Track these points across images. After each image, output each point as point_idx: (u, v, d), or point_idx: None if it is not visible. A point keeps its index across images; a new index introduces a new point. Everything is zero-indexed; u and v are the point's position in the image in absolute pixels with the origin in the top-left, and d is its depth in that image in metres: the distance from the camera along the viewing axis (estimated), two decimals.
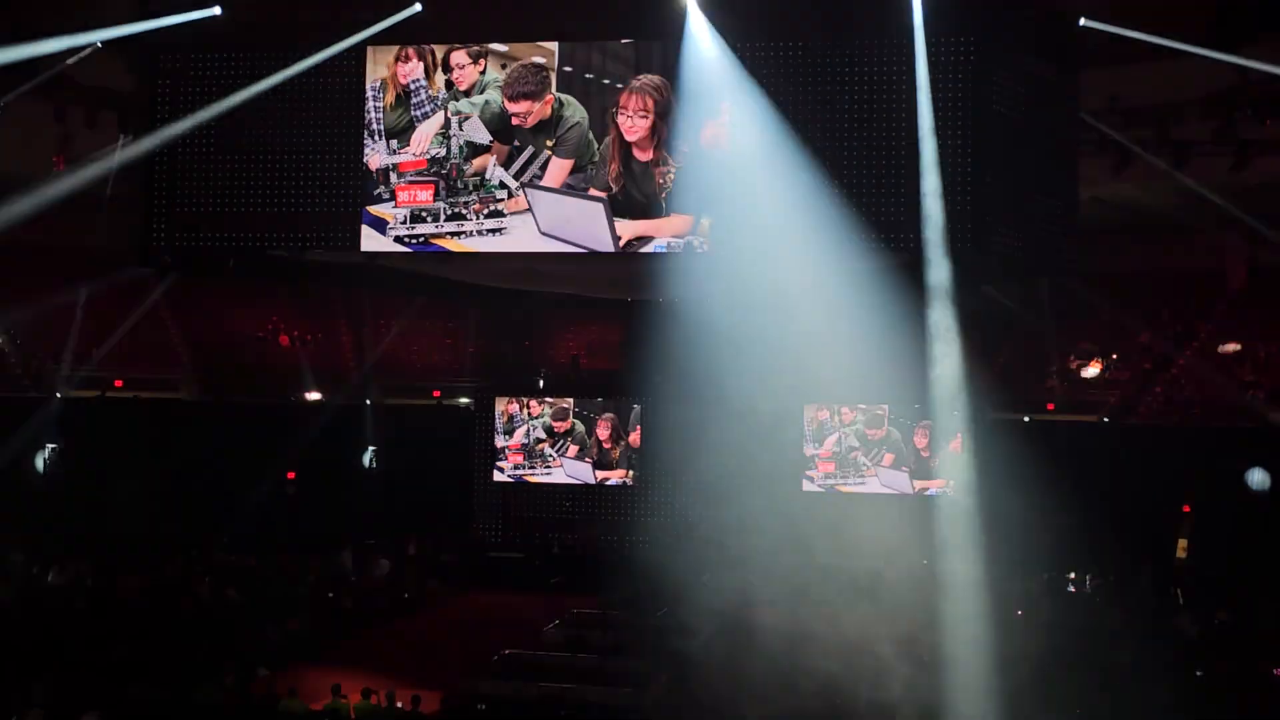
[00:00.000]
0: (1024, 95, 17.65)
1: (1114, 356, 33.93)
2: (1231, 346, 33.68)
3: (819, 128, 17.48)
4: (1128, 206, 32.09)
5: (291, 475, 32.17)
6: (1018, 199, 17.63)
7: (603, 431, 33.07)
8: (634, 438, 33.10)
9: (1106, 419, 31.90)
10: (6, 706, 16.63)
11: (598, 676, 19.58)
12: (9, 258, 34.46)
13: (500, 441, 33.65)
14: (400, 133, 19.55)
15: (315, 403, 33.70)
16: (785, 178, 17.47)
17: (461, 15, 19.01)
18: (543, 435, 33.20)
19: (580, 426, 33.28)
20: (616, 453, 32.99)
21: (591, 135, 18.87)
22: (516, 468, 33.45)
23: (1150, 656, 20.84)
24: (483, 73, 19.18)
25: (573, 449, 33.28)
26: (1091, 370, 33.89)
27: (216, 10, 18.85)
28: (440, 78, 19.38)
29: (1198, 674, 19.83)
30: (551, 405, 33.29)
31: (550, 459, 33.19)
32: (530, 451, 33.25)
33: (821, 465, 31.71)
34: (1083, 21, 18.42)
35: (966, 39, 17.02)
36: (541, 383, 34.83)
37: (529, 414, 33.35)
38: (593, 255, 18.90)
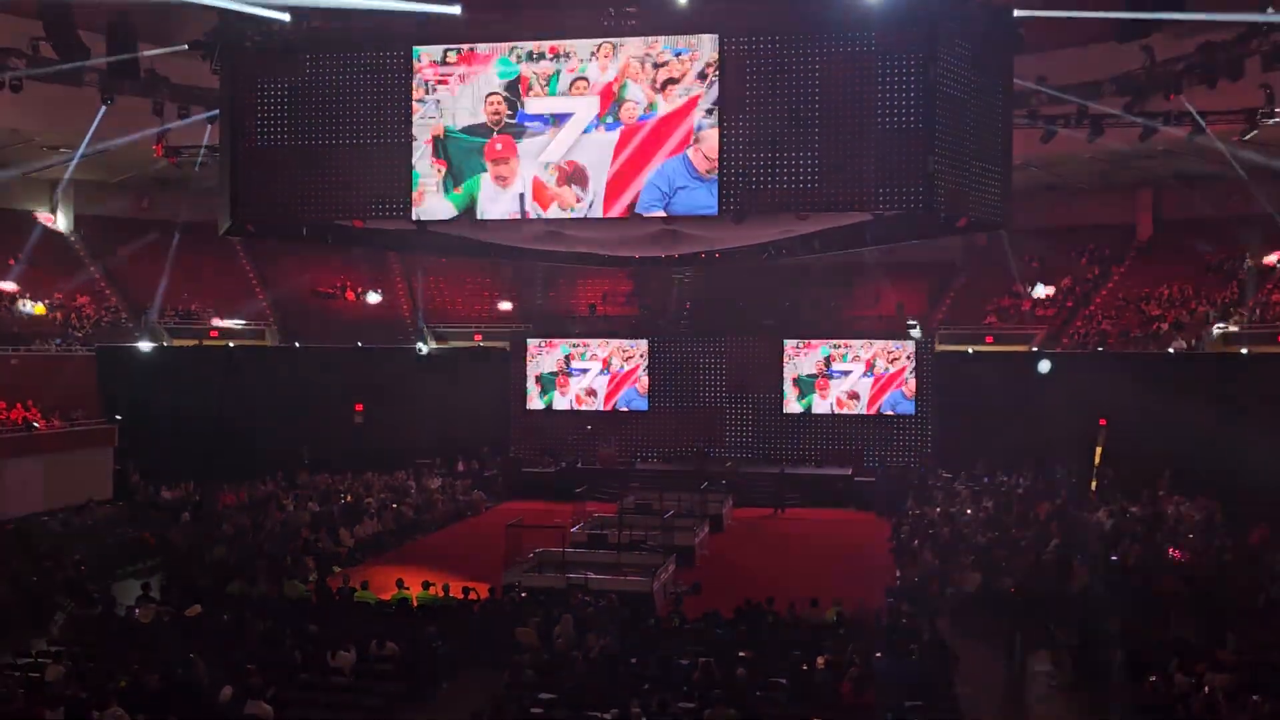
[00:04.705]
0: (967, 78, 17.31)
1: (1045, 296, 33.71)
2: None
3: (793, 110, 17.11)
4: (1054, 170, 31.81)
5: (359, 407, 32.13)
6: (963, 166, 17.32)
7: None
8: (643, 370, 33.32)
9: (1036, 349, 31.70)
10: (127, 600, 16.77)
11: (614, 568, 19.65)
12: (124, 229, 34.51)
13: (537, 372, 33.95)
14: None
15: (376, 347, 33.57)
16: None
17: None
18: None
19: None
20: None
21: None
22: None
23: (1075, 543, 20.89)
24: None
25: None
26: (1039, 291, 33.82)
27: (286, 17, 18.38)
28: None
29: (1113, 559, 19.81)
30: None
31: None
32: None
33: None
34: (1016, 12, 18.07)
35: (916, 31, 16.68)
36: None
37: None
38: (606, 220, 18.48)
